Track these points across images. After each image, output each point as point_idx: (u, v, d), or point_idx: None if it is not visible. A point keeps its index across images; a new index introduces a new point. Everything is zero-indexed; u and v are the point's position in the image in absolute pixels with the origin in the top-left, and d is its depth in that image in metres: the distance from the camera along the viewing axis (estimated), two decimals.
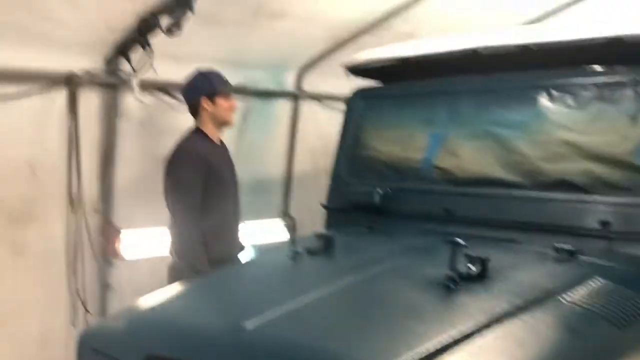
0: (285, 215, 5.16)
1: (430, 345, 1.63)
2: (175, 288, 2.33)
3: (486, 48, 3.03)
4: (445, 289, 2.04)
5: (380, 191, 3.25)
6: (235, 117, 3.83)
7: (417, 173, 3.25)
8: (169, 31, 3.28)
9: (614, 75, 2.73)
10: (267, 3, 3.84)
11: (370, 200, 3.26)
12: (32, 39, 3.21)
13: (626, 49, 2.64)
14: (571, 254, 2.46)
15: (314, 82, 5.11)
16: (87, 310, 3.72)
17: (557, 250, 2.48)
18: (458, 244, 2.08)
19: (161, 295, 2.24)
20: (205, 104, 3.48)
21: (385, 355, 1.58)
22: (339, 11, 4.24)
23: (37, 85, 3.34)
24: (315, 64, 4.97)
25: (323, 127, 5.32)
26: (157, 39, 3.50)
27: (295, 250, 2.50)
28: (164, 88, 3.93)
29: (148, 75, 3.64)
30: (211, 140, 3.55)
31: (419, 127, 3.33)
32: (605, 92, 2.73)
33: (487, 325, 1.78)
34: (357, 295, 2.07)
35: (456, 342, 1.67)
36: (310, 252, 2.55)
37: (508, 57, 2.97)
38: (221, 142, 3.65)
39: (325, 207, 3.59)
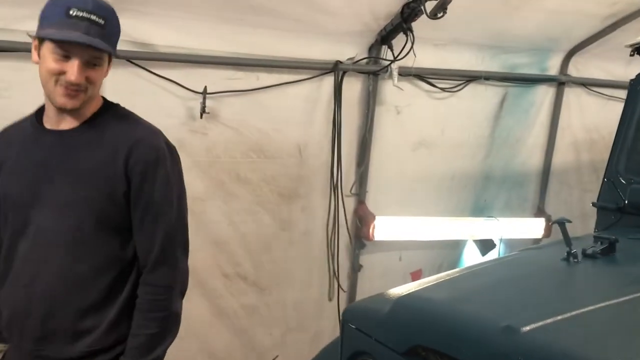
0: (541, 212, 4.78)
1: None
2: (433, 278, 2.26)
3: None
4: None
5: None
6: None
7: None
8: (434, 15, 3.22)
9: None
10: None
11: None
12: (304, 29, 3.44)
13: None
14: None
15: (583, 67, 4.62)
16: (341, 288, 3.92)
17: None
18: None
19: (420, 283, 2.20)
20: (34, 51, 1.88)
21: None
22: None
23: (308, 72, 3.58)
24: (584, 47, 4.47)
25: (590, 117, 4.80)
26: (417, 26, 3.47)
27: (570, 251, 2.24)
28: (421, 75, 3.89)
29: (407, 62, 3.65)
30: (40, 122, 1.97)
31: None
32: None
33: None
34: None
35: None
36: (588, 256, 2.26)
37: None
38: (80, 129, 1.93)
39: (597, 205, 3.19)
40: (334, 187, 3.79)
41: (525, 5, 3.75)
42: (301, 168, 3.73)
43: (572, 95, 4.69)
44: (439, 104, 4.09)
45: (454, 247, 4.51)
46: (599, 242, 2.32)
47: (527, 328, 1.61)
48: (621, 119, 3.23)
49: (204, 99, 3.23)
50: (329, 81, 3.67)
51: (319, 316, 4.03)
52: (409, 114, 4.00)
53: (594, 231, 3.07)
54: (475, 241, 4.53)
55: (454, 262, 4.46)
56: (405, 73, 3.79)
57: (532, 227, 4.68)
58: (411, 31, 3.45)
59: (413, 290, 2.11)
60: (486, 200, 4.52)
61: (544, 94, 4.59)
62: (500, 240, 4.55)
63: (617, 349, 1.57)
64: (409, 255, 4.29)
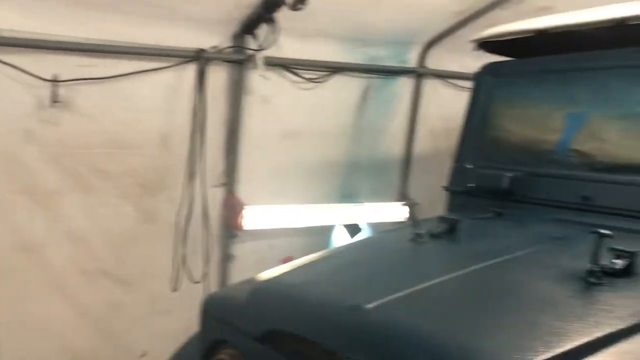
0: (404, 197, 5.05)
1: (570, 345, 1.47)
2: (295, 262, 2.33)
3: (636, 17, 2.71)
4: (586, 284, 1.84)
5: (508, 175, 3.04)
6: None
7: (551, 156, 2.99)
8: (294, 7, 3.27)
9: None
10: None
11: (498, 184, 3.06)
12: (164, 15, 3.35)
13: None
14: None
15: (439, 59, 4.92)
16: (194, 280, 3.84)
17: None
18: (603, 235, 1.87)
19: (281, 268, 2.25)
20: None
21: (519, 351, 1.45)
22: None
23: (169, 60, 3.49)
24: (440, 40, 4.77)
25: (446, 106, 5.11)
26: (283, 17, 3.52)
27: (417, 232, 2.40)
28: (287, 65, 3.94)
29: (273, 52, 3.68)
30: None
31: (556, 106, 3.06)
32: None
33: (635, 328, 1.59)
34: (485, 283, 1.94)
35: (599, 344, 1.50)
36: (433, 235, 2.44)
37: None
38: None
39: (447, 189, 3.43)
40: (194, 177, 3.73)
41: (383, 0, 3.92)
42: (166, 159, 3.64)
43: (429, 86, 4.97)
44: (306, 94, 4.17)
45: (324, 233, 4.64)
46: (444, 223, 2.50)
47: (372, 305, 1.71)
48: (467, 109, 3.49)
49: (54, 86, 3.04)
50: (192, 69, 3.61)
51: (189, 308, 3.96)
52: (277, 104, 4.05)
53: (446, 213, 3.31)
54: (344, 226, 4.69)
55: (324, 248, 4.58)
56: (271, 63, 3.82)
57: (396, 211, 4.93)
58: (274, 21, 3.48)
59: (270, 276, 2.15)
60: (353, 187, 4.69)
61: (404, 85, 4.84)
62: (367, 224, 4.75)
63: (453, 318, 1.71)
64: (281, 243, 4.35)
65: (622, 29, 2.76)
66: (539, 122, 3.10)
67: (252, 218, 3.95)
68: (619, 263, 1.91)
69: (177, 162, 3.70)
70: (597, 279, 1.85)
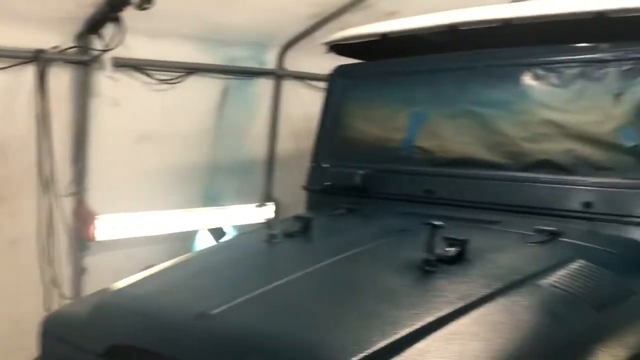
0: (269, 198, 5.08)
1: (404, 332, 1.57)
2: (144, 273, 2.25)
3: (467, 24, 2.94)
4: (422, 272, 1.97)
5: (360, 172, 3.17)
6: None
7: (398, 153, 3.17)
8: (141, 6, 3.16)
9: (598, 52, 2.64)
10: None
11: (351, 182, 3.19)
12: None
13: (609, 24, 2.56)
14: (553, 235, 2.40)
15: (298, 61, 5.00)
16: (63, 295, 3.64)
17: (539, 232, 2.42)
18: (435, 225, 2.02)
19: (129, 280, 2.16)
20: None
21: (356, 343, 1.51)
22: None
23: (4, 62, 3.21)
24: (297, 42, 4.86)
25: (307, 107, 5.19)
26: (131, 16, 3.38)
27: (271, 232, 2.42)
28: (138, 66, 3.80)
29: (121, 52, 3.52)
30: None
31: (401, 106, 3.24)
32: (588, 70, 2.65)
33: (463, 310, 1.73)
34: (331, 278, 2.00)
35: (430, 328, 1.61)
36: (287, 235, 2.48)
37: (490, 34, 2.89)
38: None
39: (305, 188, 3.51)
40: (45, 187, 3.48)
41: (236, 1, 3.90)
42: (3, 168, 3.34)
43: (290, 87, 5.05)
44: (160, 95, 4.05)
45: (188, 239, 4.53)
46: (298, 222, 2.55)
47: (218, 311, 1.70)
48: (321, 110, 3.59)
49: None
50: (31, 71, 3.35)
51: None
52: (129, 107, 3.88)
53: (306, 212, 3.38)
54: (208, 230, 4.62)
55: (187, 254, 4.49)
56: (120, 64, 3.66)
57: (262, 212, 4.95)
58: (120, 20, 3.33)
59: (116, 288, 2.06)
60: (216, 190, 4.64)
61: (264, 86, 4.87)
62: (232, 227, 4.72)
63: (297, 317, 1.74)
64: (141, 252, 4.18)
65: (456, 33, 2.98)
66: (387, 121, 3.27)
67: (105, 228, 3.76)
68: (452, 251, 2.07)
69: (18, 172, 3.42)
70: (432, 267, 1.98)
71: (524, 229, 2.47)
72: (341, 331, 1.60)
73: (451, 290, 1.86)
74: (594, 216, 2.50)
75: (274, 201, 5.02)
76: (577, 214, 2.53)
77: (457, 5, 4.68)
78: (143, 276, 2.19)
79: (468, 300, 1.78)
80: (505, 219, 2.64)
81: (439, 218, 2.67)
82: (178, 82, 4.09)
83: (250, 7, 4.09)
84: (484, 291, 1.84)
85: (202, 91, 4.32)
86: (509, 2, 5.05)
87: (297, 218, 2.60)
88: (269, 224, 2.51)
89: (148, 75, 3.89)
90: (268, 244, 2.40)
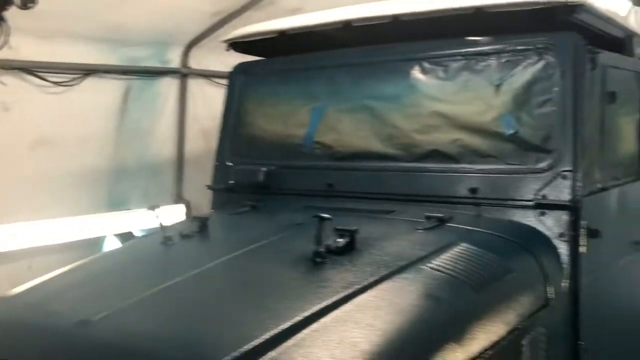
0: (180, 198, 5.01)
1: (285, 324, 1.60)
2: (30, 283, 2.17)
3: (359, 20, 3.02)
4: (312, 264, 2.02)
5: (264, 169, 3.19)
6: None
7: (300, 149, 3.22)
8: (24, 5, 3.02)
9: (479, 45, 2.79)
10: None
11: (254, 179, 3.20)
12: None
13: (489, 19, 2.71)
14: (441, 221, 2.52)
15: (203, 59, 4.95)
16: None
17: (428, 219, 2.53)
18: (323, 218, 2.07)
19: (14, 290, 2.08)
20: None
21: (232, 339, 1.53)
22: None
23: None
24: (201, 40, 4.81)
25: (215, 105, 5.13)
26: (17, 15, 3.22)
27: (166, 234, 2.40)
28: (28, 68, 3.63)
29: (7, 54, 3.36)
30: None
31: (300, 102, 3.28)
32: (471, 63, 2.79)
33: (346, 298, 1.78)
34: (221, 277, 2.01)
35: (312, 318, 1.65)
36: (184, 236, 2.46)
37: (381, 29, 2.98)
38: None
39: (210, 188, 3.49)
40: None
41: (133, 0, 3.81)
42: None
43: (195, 86, 4.99)
44: (56, 98, 3.90)
45: (94, 246, 4.39)
46: (195, 222, 2.54)
47: (99, 317, 1.67)
48: (224, 107, 3.57)
49: None
50: None
51: None
52: (21, 111, 3.71)
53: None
54: (116, 235, 4.50)
55: None
56: (7, 67, 3.48)
57: (172, 214, 4.86)
58: (3, 20, 3.18)
59: None
60: (122, 193, 4.52)
61: (169, 86, 4.79)
62: (142, 230, 4.61)
63: (181, 319, 1.73)
64: (42, 261, 4.01)
65: (351, 29, 3.05)
66: (288, 117, 3.30)
67: (2, 238, 3.58)
68: (341, 241, 2.13)
69: None
70: (321, 258, 2.03)
71: (416, 217, 2.57)
72: (222, 329, 1.61)
73: (338, 280, 1.92)
74: (479, 201, 2.64)
75: (185, 202, 4.95)
76: (464, 200, 2.67)
77: (358, 1, 4.79)
78: (28, 286, 2.11)
79: (353, 289, 1.85)
80: (399, 208, 2.74)
81: (337, 210, 2.77)
82: (74, 85, 3.95)
83: (149, 6, 4.01)
84: (370, 279, 1.91)
85: (101, 93, 4.19)
86: None
87: (194, 218, 2.59)
88: (163, 226, 2.48)
89: (41, 78, 3.72)
90: (162, 247, 2.37)
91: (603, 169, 2.79)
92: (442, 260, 2.10)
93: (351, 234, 2.16)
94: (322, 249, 2.06)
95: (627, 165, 3.15)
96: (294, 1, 4.70)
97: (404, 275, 1.97)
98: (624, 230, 3.01)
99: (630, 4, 6.38)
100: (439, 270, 2.03)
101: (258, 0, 4.54)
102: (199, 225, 2.52)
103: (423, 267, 2.04)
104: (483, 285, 2.04)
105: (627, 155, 3.18)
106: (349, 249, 2.14)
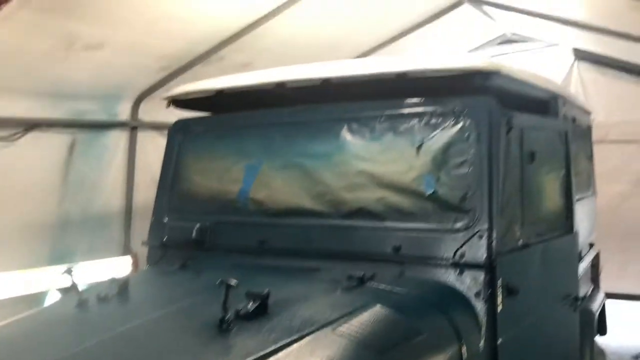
0: (127, 251, 4.97)
1: None
2: None
3: (292, 81, 3.11)
4: (218, 330, 2.02)
5: (198, 225, 3.21)
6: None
7: (234, 205, 3.25)
8: None
9: (402, 107, 2.89)
10: (80, 35, 3.69)
11: (188, 236, 3.21)
12: None
13: (412, 83, 2.82)
14: (361, 281, 2.55)
15: (155, 110, 4.98)
16: None
17: (349, 278, 2.56)
18: (229, 286, 2.08)
19: None
20: None
21: None
22: (161, 42, 4.18)
23: None
24: (152, 93, 4.87)
25: None
26: None
27: (82, 297, 2.38)
28: None
29: None
30: None
31: (236, 159, 3.33)
32: (395, 124, 2.88)
33: None
34: (128, 343, 2.00)
35: None
36: (101, 299, 2.45)
37: (314, 90, 3.07)
38: None
39: (145, 244, 3.48)
40: None
41: (79, 55, 3.86)
42: None
43: (146, 137, 5.03)
44: None
45: (35, 301, 4.31)
46: (114, 284, 2.53)
47: None
48: (163, 163, 3.60)
49: None
50: None
51: None
52: None
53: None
54: (59, 290, 4.42)
55: None
56: None
57: (119, 266, 4.82)
58: None
59: None
60: (66, 247, 4.48)
61: (118, 138, 4.82)
62: (87, 284, 4.55)
63: None
64: None
65: (285, 89, 3.14)
66: (224, 174, 3.34)
67: None
68: (251, 306, 2.14)
69: None
70: (227, 325, 2.04)
71: (339, 276, 2.60)
72: None
73: (240, 347, 1.92)
74: (403, 259, 2.69)
75: (132, 253, 4.92)
76: (389, 258, 2.71)
77: (304, 58, 4.92)
78: None
79: (254, 356, 1.85)
80: (326, 265, 2.77)
81: (264, 269, 2.79)
82: (17, 139, 3.95)
83: (96, 61, 4.07)
84: (272, 346, 1.92)
85: (46, 146, 4.20)
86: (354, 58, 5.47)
87: (113, 280, 2.58)
88: (77, 289, 2.47)
89: None
90: (79, 309, 2.35)
91: (524, 226, 2.86)
92: (351, 324, 2.12)
93: (262, 298, 2.18)
94: (228, 316, 2.06)
95: (551, 221, 3.24)
96: (243, 57, 4.83)
97: (308, 340, 1.98)
98: (547, 286, 3.07)
99: (572, 58, 6.67)
100: (345, 335, 2.05)
101: (207, 55, 4.65)
102: (117, 288, 2.51)
103: (330, 332, 2.05)
104: (388, 348, 2.06)
105: (551, 212, 3.28)
106: (260, 314, 2.15)
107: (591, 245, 4.52)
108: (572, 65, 6.55)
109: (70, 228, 4.50)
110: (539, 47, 6.81)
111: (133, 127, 4.88)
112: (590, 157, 4.77)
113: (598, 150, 5.19)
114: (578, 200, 3.74)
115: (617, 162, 6.27)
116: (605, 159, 5.97)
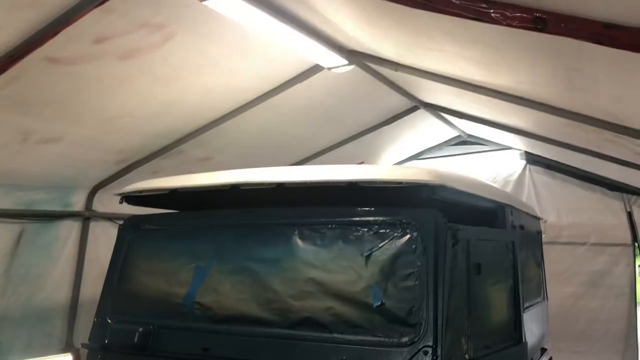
0: (69, 347, 4.73)
1: None
2: None
3: (245, 184, 3.12)
4: None
5: (140, 329, 3.09)
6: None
7: (179, 309, 3.14)
8: None
9: (352, 215, 2.91)
10: (37, 129, 3.69)
11: (130, 340, 3.08)
12: None
13: (362, 191, 2.86)
14: None
15: (109, 202, 4.94)
16: None
17: None
18: None
19: None
20: None
21: None
22: (119, 137, 4.21)
23: None
24: (107, 184, 4.84)
25: None
26: None
27: None
28: None
29: None
30: None
31: (186, 260, 3.26)
32: (345, 232, 2.89)
33: None
34: None
35: None
36: None
37: (264, 194, 3.08)
38: None
39: (85, 346, 3.32)
40: None
41: (34, 149, 3.84)
42: None
43: (99, 228, 4.93)
44: None
45: None
46: None
47: None
48: (110, 261, 3.50)
49: None
50: None
51: None
52: None
53: None
54: None
55: None
56: None
57: None
58: None
59: None
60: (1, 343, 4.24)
61: (69, 229, 4.72)
62: None
63: None
64: None
65: (239, 191, 3.14)
66: (172, 275, 3.25)
67: None
68: None
69: None
70: None
71: None
72: None
73: None
74: None
75: (73, 350, 4.68)
76: None
77: (263, 157, 5.01)
78: None
79: None
80: None
81: None
82: None
83: (50, 157, 4.05)
84: None
85: None
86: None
87: None
88: None
89: None
90: None
91: (472, 339, 2.84)
92: None
93: None
94: None
95: (499, 332, 3.23)
96: (202, 151, 4.87)
97: None
98: None
99: (524, 162, 6.94)
100: None
101: (165, 150, 4.67)
102: None
103: None
104: None
105: (499, 323, 3.27)
106: None
107: (543, 351, 4.50)
108: (525, 167, 6.81)
109: (8, 323, 4.28)
110: (493, 149, 7.08)
111: (86, 217, 4.79)
112: (540, 263, 4.85)
113: (550, 251, 5.30)
114: (528, 308, 3.77)
115: (569, 264, 6.40)
116: (557, 260, 6.11)
